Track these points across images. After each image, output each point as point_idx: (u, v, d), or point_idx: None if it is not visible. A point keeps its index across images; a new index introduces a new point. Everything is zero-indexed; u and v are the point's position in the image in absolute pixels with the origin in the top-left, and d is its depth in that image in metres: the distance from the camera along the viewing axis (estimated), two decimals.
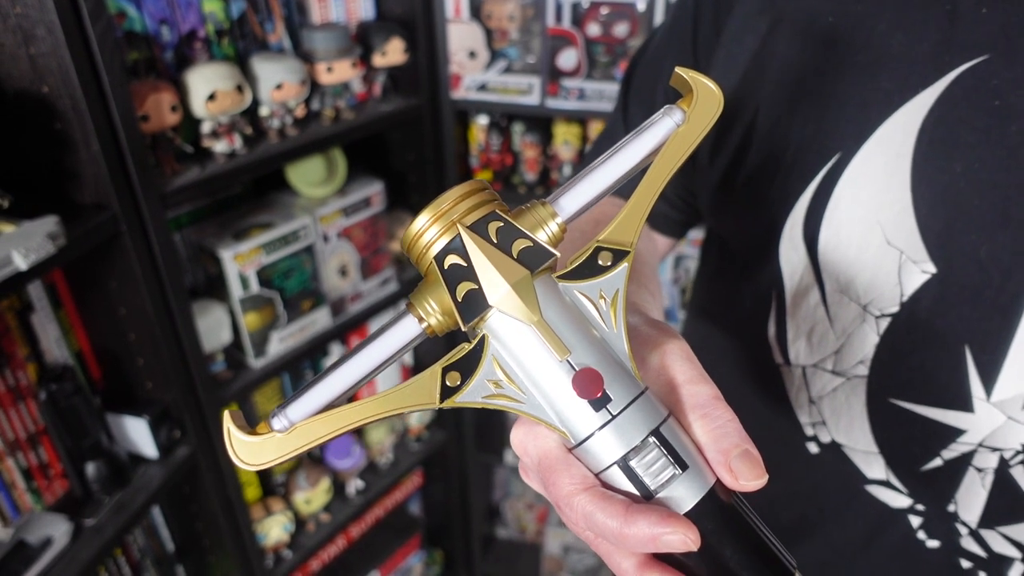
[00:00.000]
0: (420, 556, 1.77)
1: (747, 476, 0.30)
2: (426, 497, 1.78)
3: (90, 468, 0.94)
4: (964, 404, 0.48)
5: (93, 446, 0.94)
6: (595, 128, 1.35)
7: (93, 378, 1.02)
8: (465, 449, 1.67)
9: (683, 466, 0.31)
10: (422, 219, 0.32)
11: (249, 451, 0.32)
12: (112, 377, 1.03)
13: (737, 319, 0.62)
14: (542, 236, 0.33)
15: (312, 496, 1.37)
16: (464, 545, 1.84)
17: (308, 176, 1.21)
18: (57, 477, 0.96)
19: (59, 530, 0.89)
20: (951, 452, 0.50)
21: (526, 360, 0.32)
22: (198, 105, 0.95)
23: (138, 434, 1.00)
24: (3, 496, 0.89)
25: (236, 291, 1.10)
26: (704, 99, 0.34)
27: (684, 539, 0.29)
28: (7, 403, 0.89)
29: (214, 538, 1.19)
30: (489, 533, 1.97)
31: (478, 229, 0.32)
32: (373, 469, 1.52)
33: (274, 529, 1.30)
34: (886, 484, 0.55)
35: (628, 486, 0.31)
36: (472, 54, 1.26)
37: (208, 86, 0.95)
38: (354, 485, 1.46)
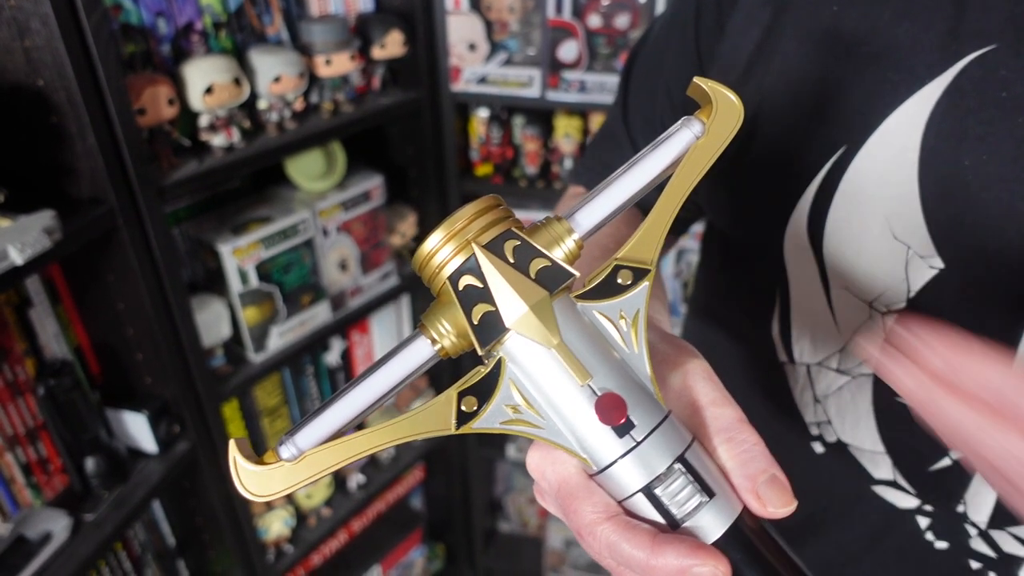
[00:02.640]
0: (422, 550, 1.77)
1: (775, 503, 0.30)
2: (428, 491, 1.78)
3: (89, 463, 0.94)
4: None
5: (92, 441, 0.94)
6: (596, 121, 1.34)
7: (92, 373, 1.02)
8: (467, 443, 1.66)
9: (710, 493, 0.30)
10: (435, 238, 0.31)
11: (256, 482, 0.30)
12: (111, 372, 1.02)
13: (739, 316, 0.61)
14: (558, 253, 0.32)
15: (313, 490, 1.37)
16: (466, 539, 1.84)
17: (307, 170, 1.20)
18: (56, 472, 0.96)
19: (58, 525, 0.89)
20: (959, 452, 0.49)
21: (545, 385, 0.31)
22: (195, 98, 0.94)
23: (137, 429, 0.99)
24: (2, 491, 0.89)
25: (235, 285, 1.09)
26: (724, 110, 0.33)
27: (714, 572, 0.28)
28: (6, 398, 0.89)
29: (215, 533, 1.18)
30: (491, 527, 1.97)
31: (494, 248, 0.31)
32: (374, 463, 1.52)
33: (275, 524, 1.30)
34: (893, 484, 0.54)
35: (653, 515, 0.30)
36: (472, 46, 1.25)
37: (205, 79, 0.94)
38: (355, 479, 1.46)
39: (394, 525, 1.69)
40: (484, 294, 0.30)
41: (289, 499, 1.35)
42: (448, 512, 1.78)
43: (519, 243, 0.31)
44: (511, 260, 0.31)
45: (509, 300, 0.30)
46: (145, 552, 1.14)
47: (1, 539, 0.86)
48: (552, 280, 0.31)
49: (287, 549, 1.34)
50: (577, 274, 0.31)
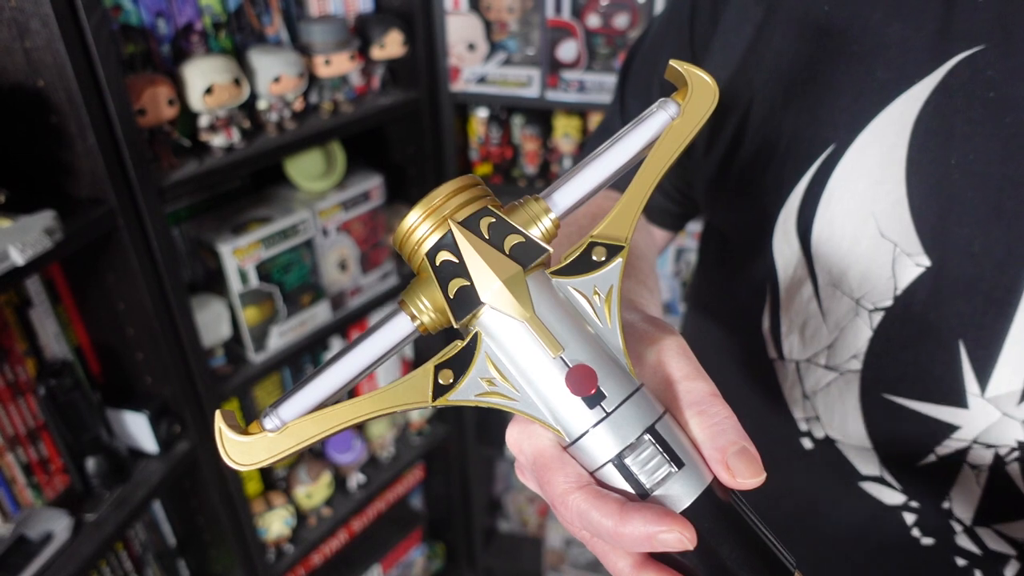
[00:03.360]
0: (422, 550, 1.77)
1: (744, 474, 0.30)
2: (427, 491, 1.78)
3: (90, 463, 0.94)
4: (958, 400, 0.48)
5: (93, 441, 0.94)
6: (595, 120, 1.34)
7: (92, 373, 1.02)
8: (466, 442, 1.67)
9: (679, 464, 0.30)
10: (413, 216, 0.32)
11: (240, 451, 0.31)
12: (111, 372, 1.03)
13: (733, 313, 0.62)
14: (535, 232, 0.33)
15: (313, 490, 1.37)
16: (466, 538, 1.84)
17: (307, 170, 1.20)
18: (57, 472, 0.96)
19: (60, 525, 0.89)
20: (945, 448, 0.50)
21: (519, 357, 0.31)
22: (195, 99, 0.95)
23: (138, 429, 1.00)
24: (3, 491, 0.89)
25: (235, 285, 1.09)
26: (699, 92, 0.33)
27: (680, 538, 0.28)
28: (6, 398, 0.89)
29: (215, 532, 1.19)
30: (491, 526, 1.97)
31: (470, 225, 0.31)
32: (374, 463, 1.52)
33: (275, 523, 1.30)
34: (880, 481, 0.54)
35: (623, 485, 0.31)
36: (471, 46, 1.25)
37: (205, 79, 0.94)
38: (355, 479, 1.46)
39: (394, 524, 1.69)
40: (460, 269, 0.31)
41: (289, 499, 1.35)
42: (448, 511, 1.78)
43: (494, 220, 0.32)
44: (486, 236, 0.32)
45: (483, 275, 0.31)
46: (146, 552, 1.14)
47: (2, 539, 0.87)
48: (526, 255, 0.32)
49: (287, 549, 1.34)
50: (551, 250, 0.32)
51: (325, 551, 1.51)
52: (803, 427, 0.57)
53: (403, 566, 1.72)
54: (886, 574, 0.57)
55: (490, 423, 1.73)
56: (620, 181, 0.35)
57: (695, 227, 1.35)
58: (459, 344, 0.32)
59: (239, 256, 1.08)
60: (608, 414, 0.31)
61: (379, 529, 1.64)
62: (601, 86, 1.24)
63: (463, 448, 1.67)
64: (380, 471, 1.51)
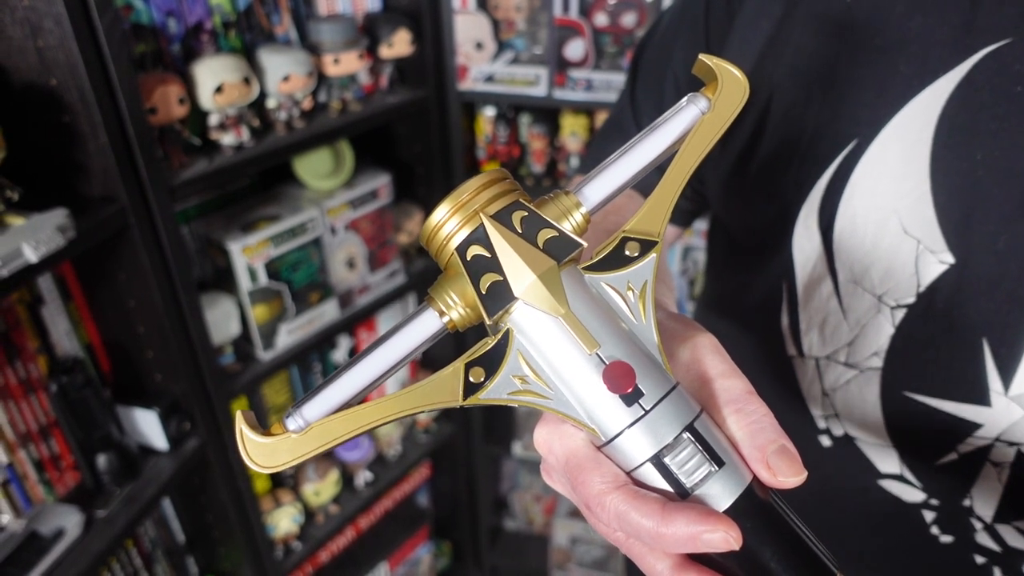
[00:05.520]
0: (428, 547, 1.77)
1: (785, 472, 0.30)
2: (434, 489, 1.78)
3: (101, 460, 0.94)
4: (981, 398, 0.48)
5: (103, 438, 0.94)
6: (602, 119, 1.34)
7: (103, 370, 1.02)
8: (473, 441, 1.67)
9: (719, 463, 0.30)
10: (442, 210, 0.31)
11: (263, 453, 0.30)
12: (122, 369, 1.03)
13: (747, 311, 0.62)
14: (567, 226, 0.32)
15: (321, 488, 1.37)
16: (472, 537, 1.84)
17: (315, 168, 1.21)
18: (68, 469, 0.96)
19: (71, 521, 0.89)
20: (967, 446, 0.50)
21: (553, 354, 0.31)
22: (205, 97, 0.95)
23: (148, 426, 1.00)
24: (15, 487, 0.90)
25: (244, 283, 1.10)
26: (729, 86, 0.33)
27: (726, 537, 0.28)
28: (18, 395, 0.89)
29: (224, 530, 1.19)
30: (497, 525, 1.97)
31: (502, 219, 0.31)
32: (381, 461, 1.52)
33: (283, 521, 1.30)
34: (900, 478, 0.54)
35: (662, 484, 0.30)
36: (479, 45, 1.25)
37: (215, 78, 0.94)
38: (363, 477, 1.47)
39: (401, 522, 1.69)
40: (492, 264, 0.31)
41: (297, 496, 1.35)
42: (454, 509, 1.78)
43: (527, 214, 0.31)
44: (519, 230, 0.31)
45: (517, 269, 0.30)
46: (155, 549, 1.14)
47: (14, 535, 0.87)
48: (560, 250, 0.31)
49: (295, 546, 1.34)
50: (585, 244, 0.32)
51: (332, 548, 1.51)
52: (821, 424, 0.57)
53: (410, 564, 1.73)
54: (904, 572, 0.57)
55: (496, 422, 1.73)
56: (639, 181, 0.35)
57: (702, 225, 1.35)
58: (490, 341, 0.31)
59: (248, 254, 1.08)
60: (646, 412, 0.30)
61: (386, 527, 1.64)
62: (608, 85, 1.24)
63: (470, 446, 1.68)
64: (387, 469, 1.51)
